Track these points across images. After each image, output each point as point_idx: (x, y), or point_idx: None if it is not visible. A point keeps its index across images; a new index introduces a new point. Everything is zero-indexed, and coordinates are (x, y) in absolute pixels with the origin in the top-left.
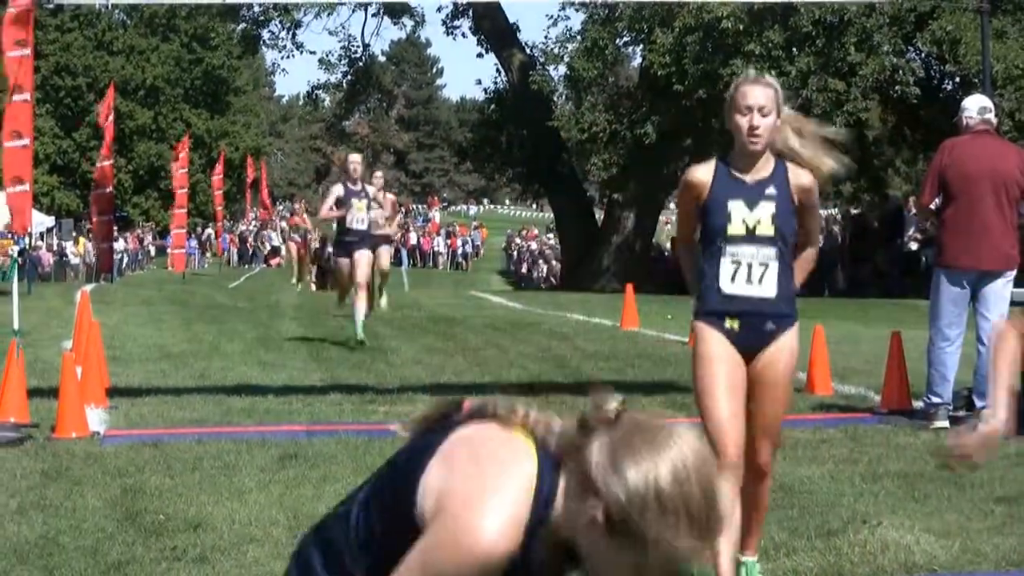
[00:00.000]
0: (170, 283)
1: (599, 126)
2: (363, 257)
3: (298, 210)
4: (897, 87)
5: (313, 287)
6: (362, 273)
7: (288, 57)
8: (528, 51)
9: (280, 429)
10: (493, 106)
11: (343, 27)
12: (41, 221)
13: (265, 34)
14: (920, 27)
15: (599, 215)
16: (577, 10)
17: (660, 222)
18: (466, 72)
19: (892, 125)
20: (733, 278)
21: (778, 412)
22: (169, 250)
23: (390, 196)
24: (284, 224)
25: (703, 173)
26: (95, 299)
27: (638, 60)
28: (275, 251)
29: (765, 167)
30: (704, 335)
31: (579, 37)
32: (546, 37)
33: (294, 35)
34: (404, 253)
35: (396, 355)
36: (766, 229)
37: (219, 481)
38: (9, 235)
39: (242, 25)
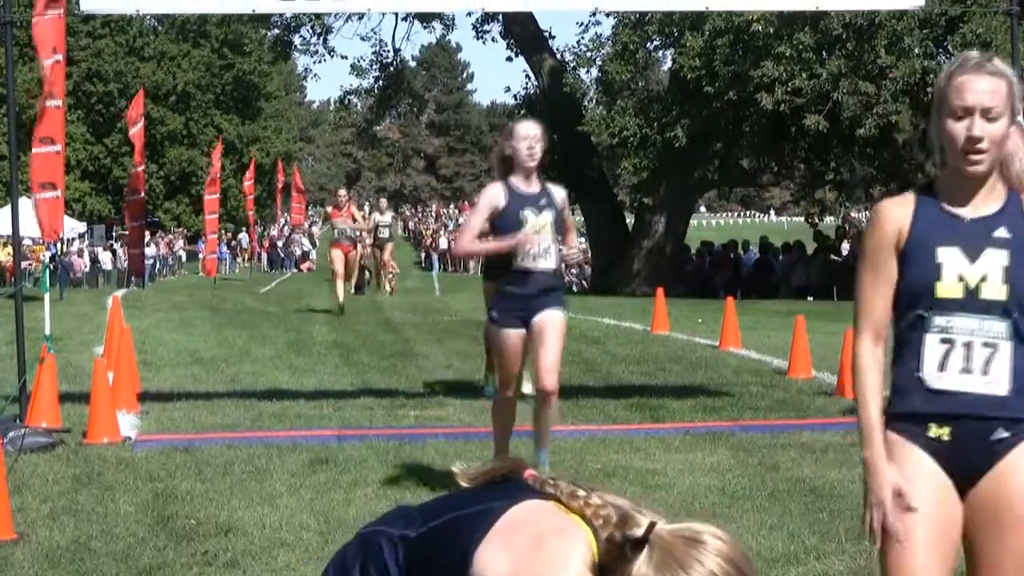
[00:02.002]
0: (201, 288)
1: (629, 130)
2: (552, 326)
3: (343, 200)
4: (928, 90)
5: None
6: (552, 356)
7: (320, 62)
8: (559, 56)
9: (311, 434)
10: (523, 111)
11: (374, 32)
12: (73, 227)
13: (296, 39)
14: (951, 30)
15: (629, 219)
16: (607, 15)
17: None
18: (497, 77)
19: (923, 128)
20: (943, 365)
21: None
22: (201, 255)
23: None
24: (315, 228)
25: (898, 208)
26: (126, 304)
27: (668, 64)
28: (305, 256)
29: (991, 199)
30: (897, 456)
31: (609, 41)
32: (578, 42)
33: (325, 40)
34: (435, 258)
35: (426, 360)
36: (994, 291)
37: (250, 486)
38: (41, 241)
39: (274, 31)
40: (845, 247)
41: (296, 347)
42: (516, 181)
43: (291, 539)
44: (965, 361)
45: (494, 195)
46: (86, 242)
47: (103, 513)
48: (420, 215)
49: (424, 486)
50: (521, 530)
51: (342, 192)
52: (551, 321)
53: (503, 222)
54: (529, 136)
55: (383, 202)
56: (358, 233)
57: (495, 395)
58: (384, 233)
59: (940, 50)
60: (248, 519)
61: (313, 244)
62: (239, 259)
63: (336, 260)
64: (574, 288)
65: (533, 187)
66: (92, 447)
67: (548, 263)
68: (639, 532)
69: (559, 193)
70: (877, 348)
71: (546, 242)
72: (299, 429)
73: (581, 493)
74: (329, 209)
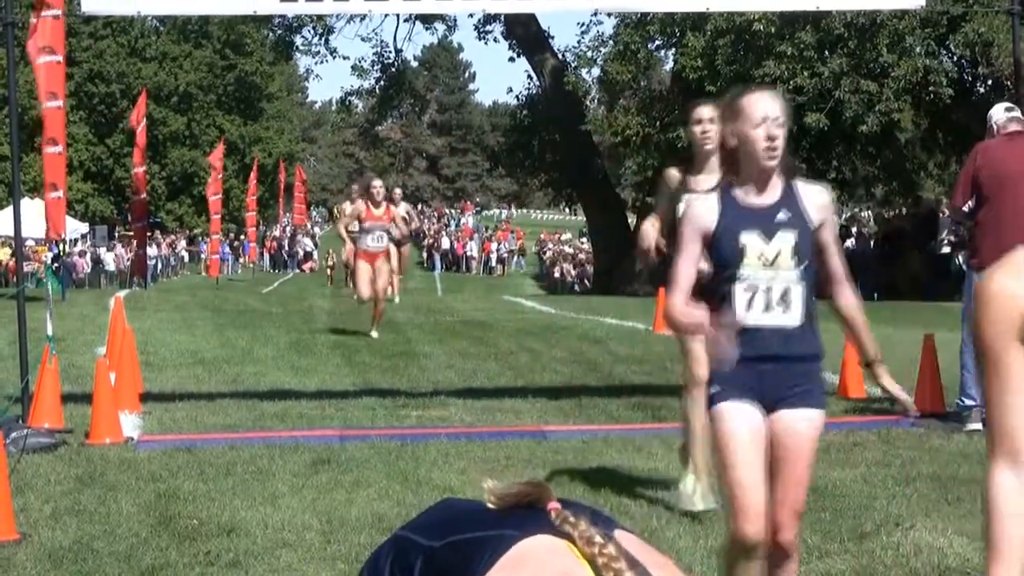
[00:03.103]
0: (203, 288)
1: (632, 129)
2: (798, 445)
3: (380, 193)
4: (930, 89)
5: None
6: (797, 496)
7: (321, 63)
8: (560, 56)
9: (313, 434)
10: (525, 111)
11: (375, 33)
12: (75, 228)
13: (298, 40)
14: (952, 29)
15: (631, 218)
16: (609, 16)
17: None
18: (498, 77)
19: (924, 127)
20: None
21: None
22: (204, 256)
23: None
24: (317, 228)
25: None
26: (129, 305)
27: (670, 64)
28: (308, 256)
29: None
30: None
31: (611, 41)
32: (579, 42)
33: (327, 41)
34: (437, 258)
35: (429, 359)
36: None
37: (252, 486)
38: (43, 242)
39: (275, 31)
40: (849, 244)
41: (298, 347)
42: (742, 186)
43: (293, 539)
44: None
45: (701, 212)
46: (88, 243)
47: (105, 513)
48: (423, 215)
49: (426, 486)
50: (526, 568)
51: (378, 183)
52: (797, 436)
53: (716, 251)
54: (769, 117)
55: (397, 192)
56: (399, 238)
57: (732, 534)
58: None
59: (942, 49)
60: (250, 519)
61: (315, 244)
62: (241, 259)
63: (362, 274)
64: (575, 288)
65: (768, 195)
66: (94, 447)
67: (788, 316)
68: None
69: (816, 199)
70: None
71: (782, 282)
72: (301, 429)
73: (598, 540)
74: (360, 206)
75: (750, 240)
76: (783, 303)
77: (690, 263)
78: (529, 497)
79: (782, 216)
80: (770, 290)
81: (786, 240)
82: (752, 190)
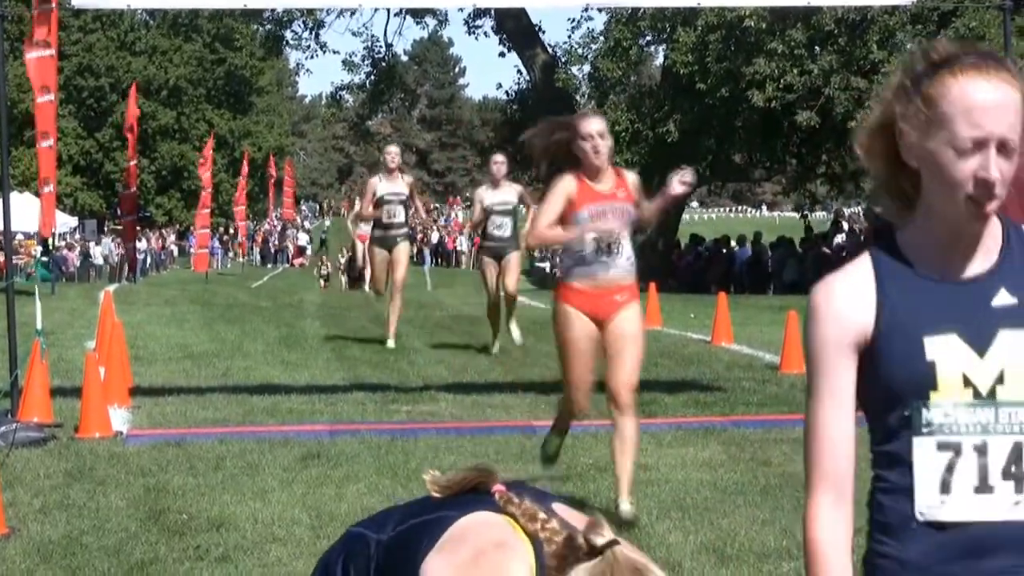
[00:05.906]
0: (193, 283)
1: (621, 125)
2: None
3: (598, 140)
4: None
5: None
6: None
7: (312, 57)
8: (551, 51)
9: (303, 429)
10: (515, 107)
11: (366, 27)
12: (64, 222)
13: (288, 34)
14: (943, 24)
15: None
16: (600, 11)
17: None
18: (489, 72)
19: None
20: None
21: None
22: (192, 250)
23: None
24: (307, 222)
25: None
26: (118, 299)
27: (660, 60)
28: (301, 251)
29: None
30: None
31: (602, 37)
32: (569, 38)
33: (317, 35)
34: (427, 252)
35: (418, 354)
36: None
37: (242, 480)
38: (32, 236)
39: (265, 26)
40: (840, 240)
41: (288, 342)
42: (919, 237)
43: (283, 534)
44: None
45: (842, 303)
46: (77, 236)
47: (95, 508)
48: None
49: (415, 481)
50: (465, 542)
51: (598, 125)
52: None
53: (878, 372)
54: (989, 138)
55: (392, 152)
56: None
57: None
58: (397, 217)
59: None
60: (240, 514)
61: (310, 239)
62: (231, 253)
63: (582, 357)
64: None
65: (973, 256)
66: (84, 442)
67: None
68: (600, 541)
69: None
70: None
71: (1010, 432)
72: (291, 424)
73: (541, 516)
74: (570, 184)
75: (945, 350)
76: (1013, 475)
77: (838, 413)
78: (474, 482)
79: (1005, 299)
80: (985, 449)
81: (1016, 348)
82: (942, 246)
